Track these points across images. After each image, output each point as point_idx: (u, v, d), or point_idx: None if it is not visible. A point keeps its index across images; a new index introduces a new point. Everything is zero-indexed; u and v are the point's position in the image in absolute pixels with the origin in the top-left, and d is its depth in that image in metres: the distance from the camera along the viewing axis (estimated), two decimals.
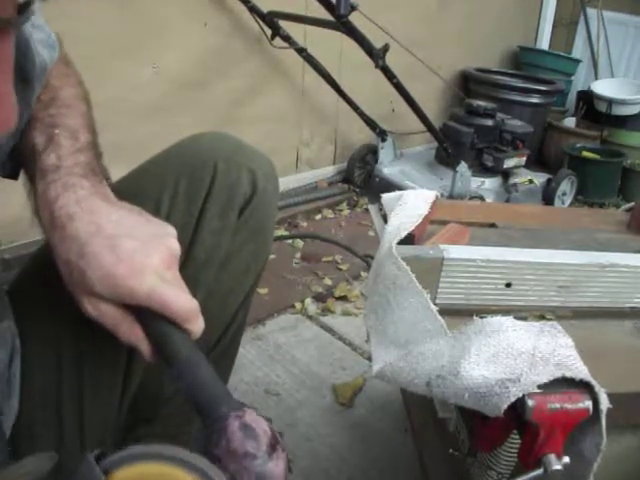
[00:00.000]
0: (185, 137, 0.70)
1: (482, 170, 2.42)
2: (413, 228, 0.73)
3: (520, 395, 0.48)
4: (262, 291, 1.67)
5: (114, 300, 0.48)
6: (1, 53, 0.37)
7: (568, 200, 2.62)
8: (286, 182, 2.37)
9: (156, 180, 0.66)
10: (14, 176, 0.59)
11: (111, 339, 0.51)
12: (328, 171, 2.62)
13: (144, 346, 0.50)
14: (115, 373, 0.65)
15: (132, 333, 0.49)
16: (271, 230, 0.74)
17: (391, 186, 2.27)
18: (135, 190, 0.66)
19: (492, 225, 0.94)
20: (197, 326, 0.50)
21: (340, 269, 1.89)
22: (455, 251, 0.70)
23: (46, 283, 0.55)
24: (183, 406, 0.73)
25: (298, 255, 1.96)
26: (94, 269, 0.47)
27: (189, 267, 0.65)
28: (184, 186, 0.65)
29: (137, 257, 0.47)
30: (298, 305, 1.67)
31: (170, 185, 0.65)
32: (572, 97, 3.46)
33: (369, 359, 1.39)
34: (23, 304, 0.59)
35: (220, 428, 0.43)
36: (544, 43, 3.70)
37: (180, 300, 0.48)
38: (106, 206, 0.51)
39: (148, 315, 0.48)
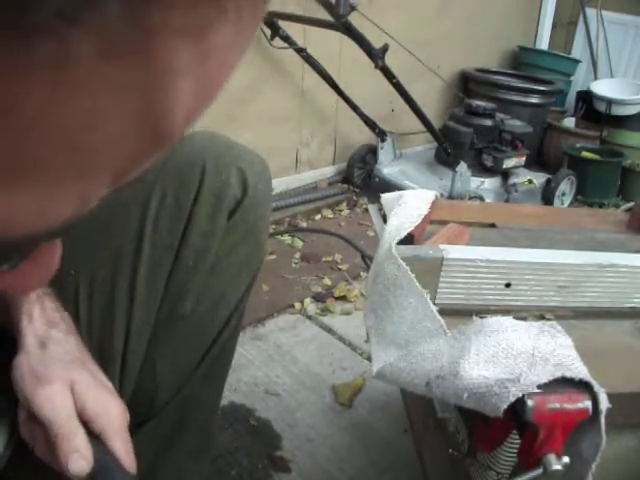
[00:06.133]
0: None
1: (482, 170, 2.42)
2: (413, 228, 0.73)
3: (520, 395, 0.48)
4: (262, 291, 1.67)
5: None
6: None
7: (568, 200, 2.62)
8: (286, 182, 2.37)
9: (142, 184, 0.64)
10: None
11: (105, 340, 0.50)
12: (328, 171, 2.62)
13: None
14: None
15: None
16: (264, 231, 0.71)
17: (391, 186, 2.27)
18: (119, 195, 0.63)
19: (492, 225, 0.94)
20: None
21: (340, 269, 1.89)
22: (455, 251, 0.70)
23: None
24: (177, 412, 0.70)
25: (298, 255, 1.96)
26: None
27: (177, 273, 0.64)
28: (172, 190, 0.64)
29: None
30: (298, 305, 1.67)
31: (158, 189, 0.63)
32: (571, 97, 3.46)
33: (369, 359, 1.39)
34: None
35: None
36: (543, 43, 3.70)
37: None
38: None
39: None
